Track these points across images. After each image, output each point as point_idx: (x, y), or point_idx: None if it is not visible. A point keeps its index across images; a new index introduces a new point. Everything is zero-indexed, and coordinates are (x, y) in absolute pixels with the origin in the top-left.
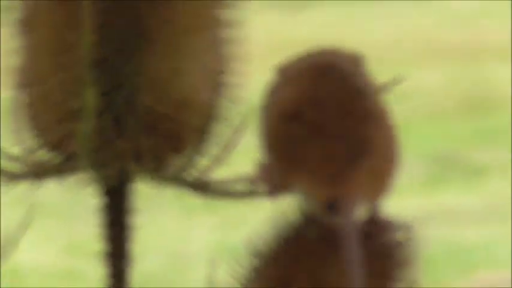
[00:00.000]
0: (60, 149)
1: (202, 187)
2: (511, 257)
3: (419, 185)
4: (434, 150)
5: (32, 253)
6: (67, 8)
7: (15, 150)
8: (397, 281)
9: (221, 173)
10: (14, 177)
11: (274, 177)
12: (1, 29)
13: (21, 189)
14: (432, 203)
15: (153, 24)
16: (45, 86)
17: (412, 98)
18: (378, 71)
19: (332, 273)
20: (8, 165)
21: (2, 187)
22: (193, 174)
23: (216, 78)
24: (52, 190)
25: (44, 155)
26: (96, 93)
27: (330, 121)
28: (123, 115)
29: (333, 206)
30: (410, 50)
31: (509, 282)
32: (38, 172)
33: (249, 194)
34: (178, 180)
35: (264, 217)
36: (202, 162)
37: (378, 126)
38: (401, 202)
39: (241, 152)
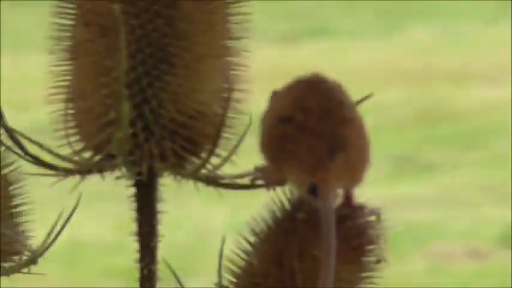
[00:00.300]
0: (101, 151)
1: (214, 181)
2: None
3: (384, 178)
4: (395, 152)
5: (86, 229)
6: (106, 38)
7: (65, 151)
8: (369, 255)
9: (229, 170)
10: (65, 173)
11: (269, 172)
12: (52, 55)
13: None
14: (394, 193)
15: (175, 52)
16: (88, 101)
17: (379, 111)
18: (353, 90)
19: (315, 248)
20: (60, 163)
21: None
22: (207, 171)
23: (225, 95)
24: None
25: (88, 155)
26: (129, 106)
27: (315, 123)
28: (151, 124)
29: (314, 191)
30: (377, 74)
31: (455, 251)
32: (83, 169)
33: (250, 186)
34: (195, 176)
35: (262, 203)
36: (215, 161)
37: (353, 129)
38: (370, 192)
39: (244, 153)
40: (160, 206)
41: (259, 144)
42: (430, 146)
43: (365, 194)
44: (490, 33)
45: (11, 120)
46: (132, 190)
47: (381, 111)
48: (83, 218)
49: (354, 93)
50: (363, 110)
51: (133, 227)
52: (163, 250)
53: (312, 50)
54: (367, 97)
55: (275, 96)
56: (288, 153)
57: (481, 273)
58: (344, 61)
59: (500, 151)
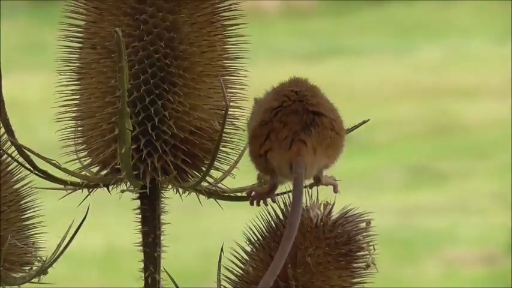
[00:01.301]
0: (107, 165)
1: (215, 193)
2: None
3: (400, 187)
4: (410, 163)
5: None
6: (111, 59)
7: (74, 166)
8: (359, 261)
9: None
10: (74, 186)
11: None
12: (61, 76)
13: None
14: (409, 201)
15: (175, 72)
16: (95, 119)
17: (394, 125)
18: (369, 105)
19: (308, 255)
20: (68, 178)
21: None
22: (206, 184)
23: (223, 112)
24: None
25: (95, 169)
26: (132, 123)
27: (290, 106)
28: (153, 139)
29: (293, 173)
30: (392, 90)
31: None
32: (91, 183)
33: (246, 198)
34: (197, 188)
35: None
36: (214, 174)
37: (327, 110)
38: (387, 199)
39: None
40: (160, 217)
41: (248, 143)
42: (442, 157)
43: (383, 201)
44: (498, 51)
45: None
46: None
47: (396, 125)
48: (120, 225)
49: (370, 107)
50: (379, 123)
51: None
52: (194, 257)
53: (331, 68)
54: (364, 122)
55: (256, 103)
56: (269, 138)
57: (492, 277)
58: (361, 78)
59: (508, 161)
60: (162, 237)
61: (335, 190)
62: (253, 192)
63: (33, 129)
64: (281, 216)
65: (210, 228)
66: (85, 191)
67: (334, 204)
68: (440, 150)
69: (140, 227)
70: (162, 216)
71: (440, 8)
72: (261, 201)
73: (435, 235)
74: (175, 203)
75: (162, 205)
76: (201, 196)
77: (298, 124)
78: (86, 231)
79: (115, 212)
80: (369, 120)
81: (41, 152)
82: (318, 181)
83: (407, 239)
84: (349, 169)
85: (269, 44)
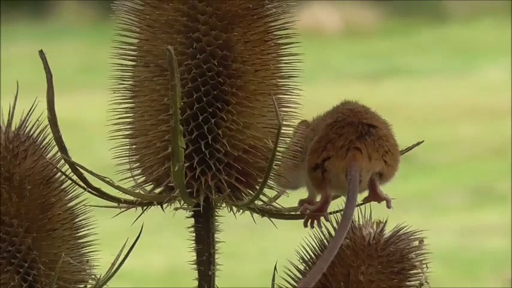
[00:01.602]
0: (161, 183)
1: (268, 212)
2: None
3: (463, 207)
4: (472, 183)
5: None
6: (164, 77)
7: (128, 185)
8: (412, 280)
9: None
10: (128, 204)
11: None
12: (114, 94)
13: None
14: (472, 221)
15: (228, 90)
16: (148, 136)
17: (455, 146)
18: (430, 125)
19: (357, 271)
20: (122, 196)
21: (120, 212)
22: (260, 202)
23: (275, 131)
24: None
25: (149, 188)
26: (186, 141)
27: (345, 119)
28: (207, 158)
29: (348, 176)
30: (452, 110)
31: None
32: (145, 201)
33: (301, 216)
34: (250, 207)
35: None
36: (268, 193)
37: (380, 123)
38: (449, 219)
39: None
40: (214, 235)
41: (307, 161)
42: (503, 177)
43: (447, 221)
44: None
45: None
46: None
47: (457, 146)
48: (181, 245)
49: (430, 128)
50: (439, 144)
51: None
52: (253, 276)
53: (392, 88)
54: (418, 143)
55: (302, 124)
56: (326, 148)
57: None
58: (421, 98)
59: None
60: (216, 256)
61: (388, 205)
62: (307, 210)
63: (92, 149)
64: (333, 234)
65: (272, 248)
66: (149, 211)
67: (386, 222)
68: (501, 170)
69: (194, 245)
70: (216, 235)
71: (500, 28)
72: (315, 223)
73: (497, 255)
74: (241, 221)
75: (216, 223)
76: (265, 217)
77: (354, 134)
78: (148, 251)
79: (177, 232)
80: (423, 141)
81: (100, 172)
82: (373, 189)
83: (468, 259)
84: (410, 190)
85: (329, 64)
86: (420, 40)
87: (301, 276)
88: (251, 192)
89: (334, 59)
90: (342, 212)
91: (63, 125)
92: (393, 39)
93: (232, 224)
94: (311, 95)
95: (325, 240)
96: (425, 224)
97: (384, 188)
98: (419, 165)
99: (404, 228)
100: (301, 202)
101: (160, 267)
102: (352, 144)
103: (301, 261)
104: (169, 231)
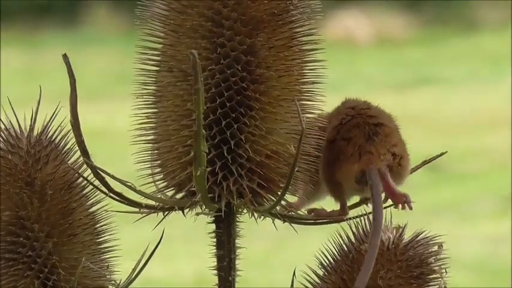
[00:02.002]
0: (182, 188)
1: (289, 218)
2: None
3: (492, 216)
4: (502, 192)
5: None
6: (188, 82)
7: (150, 190)
8: (431, 285)
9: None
10: (149, 209)
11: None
12: (137, 99)
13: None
14: (501, 229)
15: (252, 95)
16: (171, 141)
17: (485, 155)
18: (460, 134)
19: (376, 276)
20: (144, 201)
21: (141, 217)
22: (281, 208)
23: (298, 136)
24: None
25: (170, 193)
26: (208, 146)
27: (351, 122)
28: (229, 163)
29: (362, 178)
30: (482, 119)
31: None
32: (166, 205)
33: (323, 222)
34: (271, 212)
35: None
36: (289, 199)
37: (386, 120)
38: (479, 228)
39: None
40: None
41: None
42: None
43: (474, 229)
44: None
45: None
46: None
47: (488, 155)
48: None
49: (461, 137)
50: (470, 153)
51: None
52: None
53: (423, 97)
54: (442, 154)
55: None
56: (338, 159)
57: None
58: (452, 107)
59: None
60: (237, 262)
61: (409, 206)
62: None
63: (122, 158)
64: (353, 239)
65: (298, 256)
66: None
67: (406, 226)
68: None
69: (215, 250)
70: (237, 240)
71: None
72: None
73: None
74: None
75: (237, 229)
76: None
77: (362, 137)
78: (177, 259)
79: (204, 239)
80: (446, 152)
81: (126, 180)
82: (385, 182)
83: (498, 267)
84: (439, 199)
85: (361, 73)
86: (451, 49)
87: (320, 282)
88: (273, 197)
89: (365, 68)
90: (371, 220)
91: (93, 134)
92: (424, 48)
93: (261, 232)
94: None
95: (344, 246)
96: (454, 233)
97: (412, 197)
98: (448, 174)
99: (424, 233)
100: (310, 211)
101: (188, 276)
102: (363, 149)
103: (320, 266)
104: (198, 239)
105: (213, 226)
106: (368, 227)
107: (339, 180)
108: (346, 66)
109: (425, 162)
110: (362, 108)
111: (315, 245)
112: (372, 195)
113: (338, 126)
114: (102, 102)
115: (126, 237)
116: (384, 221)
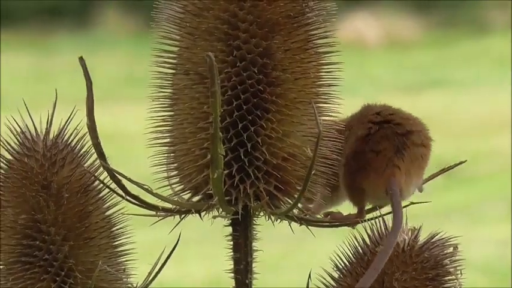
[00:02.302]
0: (199, 191)
1: (306, 220)
2: None
3: (501, 219)
4: (511, 194)
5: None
6: (204, 85)
7: (166, 193)
8: (446, 286)
9: None
10: (166, 212)
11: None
12: (154, 102)
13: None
14: (509, 230)
15: (268, 98)
16: (187, 144)
17: (495, 157)
18: (471, 136)
19: (392, 278)
20: (160, 204)
21: (157, 220)
22: (298, 211)
23: (315, 139)
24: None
25: (187, 196)
26: (225, 149)
27: (380, 133)
28: (246, 166)
29: (389, 191)
30: (494, 122)
31: None
32: (183, 208)
33: (340, 225)
34: (288, 215)
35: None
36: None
37: (412, 126)
38: (489, 230)
39: None
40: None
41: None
42: None
43: (485, 230)
44: None
45: None
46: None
47: (498, 157)
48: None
49: (472, 139)
50: (481, 155)
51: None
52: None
53: (433, 99)
54: (461, 162)
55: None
56: (365, 169)
57: None
58: (463, 109)
59: None
60: (253, 265)
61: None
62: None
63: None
64: (368, 242)
65: (313, 258)
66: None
67: (421, 228)
68: None
69: (232, 253)
70: (254, 243)
71: None
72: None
73: None
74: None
75: (254, 232)
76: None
77: (391, 150)
78: (191, 261)
79: (219, 242)
80: (466, 161)
81: (141, 182)
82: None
83: (508, 269)
84: (452, 201)
85: (370, 75)
86: (461, 51)
87: (335, 284)
88: (289, 200)
89: (376, 70)
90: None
91: (104, 137)
92: (434, 50)
93: (275, 235)
94: (352, 106)
95: (359, 248)
96: (465, 235)
97: (423, 199)
98: (459, 177)
99: (439, 235)
100: (327, 214)
101: (199, 277)
102: (391, 162)
103: (335, 269)
104: (212, 242)
105: (230, 229)
106: (383, 230)
107: (363, 187)
108: (356, 69)
109: (443, 170)
110: (389, 114)
111: (330, 248)
112: (393, 208)
113: (366, 137)
114: (112, 104)
115: (141, 239)
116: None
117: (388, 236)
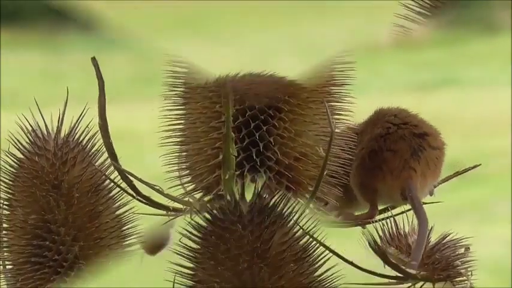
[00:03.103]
0: (210, 191)
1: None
2: None
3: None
4: None
5: None
6: (216, 84)
7: (177, 193)
8: (458, 287)
9: None
10: (177, 212)
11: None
12: (166, 100)
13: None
14: None
15: (281, 97)
16: (199, 144)
17: (506, 155)
18: (482, 137)
19: None
20: (171, 204)
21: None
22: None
23: (327, 138)
24: None
25: (198, 196)
26: (237, 149)
27: (398, 133)
28: (258, 166)
29: (405, 194)
30: (505, 121)
31: None
32: (193, 209)
33: (351, 225)
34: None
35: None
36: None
37: (428, 128)
38: (499, 230)
39: None
40: None
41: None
42: None
43: (493, 232)
44: None
45: None
46: None
47: (507, 157)
48: None
49: (482, 138)
50: (491, 154)
51: None
52: None
53: (444, 98)
54: (475, 166)
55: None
56: (381, 169)
57: None
58: (474, 108)
59: None
60: None
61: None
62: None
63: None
64: (379, 243)
65: None
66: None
67: (432, 229)
68: None
69: None
70: None
71: None
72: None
73: None
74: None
75: None
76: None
77: (407, 151)
78: None
79: None
80: (480, 164)
81: (151, 182)
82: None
83: None
84: (461, 200)
85: (381, 74)
86: (471, 51)
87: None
88: (301, 201)
89: (386, 69)
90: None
91: (113, 136)
92: (444, 49)
93: None
94: (363, 105)
95: (369, 248)
96: (475, 234)
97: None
98: (469, 176)
99: (450, 236)
100: (338, 214)
101: None
102: (407, 164)
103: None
104: None
105: None
106: (394, 230)
107: (376, 188)
108: (366, 67)
109: (457, 173)
110: (405, 116)
111: (340, 249)
112: (413, 207)
113: (384, 136)
114: (122, 104)
115: None
116: (409, 225)
117: (416, 242)
